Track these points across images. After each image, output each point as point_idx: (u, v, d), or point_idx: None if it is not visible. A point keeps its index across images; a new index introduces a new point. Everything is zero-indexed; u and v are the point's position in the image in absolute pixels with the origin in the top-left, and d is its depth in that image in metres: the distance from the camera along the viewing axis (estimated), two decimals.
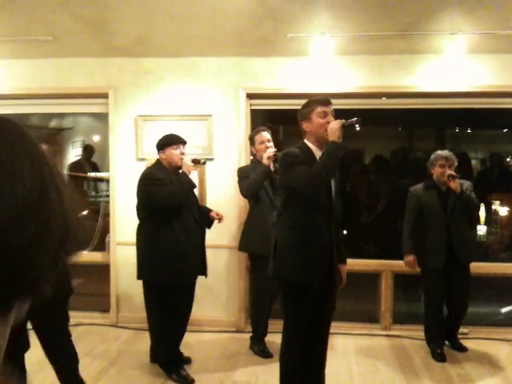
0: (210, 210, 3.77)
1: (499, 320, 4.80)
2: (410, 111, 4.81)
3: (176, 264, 3.34)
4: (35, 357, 3.11)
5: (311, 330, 2.79)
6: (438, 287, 3.85)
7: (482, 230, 5.91)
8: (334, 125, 2.57)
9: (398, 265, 4.36)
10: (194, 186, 3.48)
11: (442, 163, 3.83)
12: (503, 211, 6.12)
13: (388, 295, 4.49)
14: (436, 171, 3.88)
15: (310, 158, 2.69)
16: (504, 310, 5.05)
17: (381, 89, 4.35)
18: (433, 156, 3.92)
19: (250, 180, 3.75)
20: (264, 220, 3.80)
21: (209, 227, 3.74)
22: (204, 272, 3.64)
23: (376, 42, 4.14)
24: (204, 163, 3.54)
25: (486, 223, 5.97)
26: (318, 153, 2.70)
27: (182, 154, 3.46)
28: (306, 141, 2.74)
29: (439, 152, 3.90)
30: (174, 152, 3.43)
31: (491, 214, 6.09)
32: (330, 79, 4.38)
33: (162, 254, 3.35)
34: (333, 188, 2.73)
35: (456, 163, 3.89)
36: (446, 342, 4.01)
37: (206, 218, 3.68)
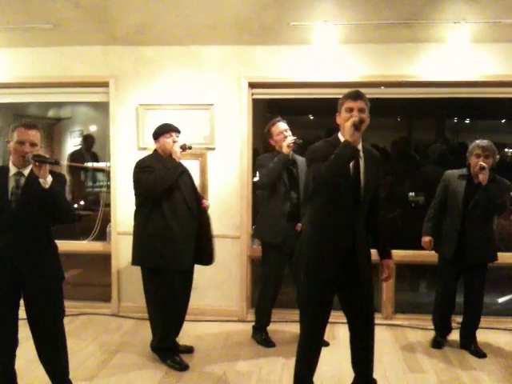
0: (202, 198, 3.76)
1: (498, 310, 4.83)
2: (410, 101, 4.78)
3: (164, 248, 3.37)
4: (28, 355, 3.10)
5: (354, 326, 2.90)
6: (447, 276, 3.84)
7: None
8: (347, 123, 2.55)
9: (399, 255, 4.36)
10: (179, 169, 3.46)
11: (477, 153, 3.64)
12: None
13: (389, 285, 4.51)
14: (472, 161, 3.69)
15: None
16: (501, 299, 5.07)
17: (384, 78, 4.32)
18: (471, 145, 3.73)
19: (269, 168, 3.73)
20: (278, 210, 3.80)
21: None
22: (201, 260, 3.61)
23: (380, 31, 4.12)
24: (190, 148, 3.58)
25: None
26: None
27: (175, 142, 3.51)
28: (339, 134, 2.73)
29: (477, 142, 3.70)
30: (166, 140, 3.50)
31: None
32: (333, 68, 4.35)
33: (151, 239, 3.40)
34: (362, 186, 2.66)
35: (497, 156, 3.76)
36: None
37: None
